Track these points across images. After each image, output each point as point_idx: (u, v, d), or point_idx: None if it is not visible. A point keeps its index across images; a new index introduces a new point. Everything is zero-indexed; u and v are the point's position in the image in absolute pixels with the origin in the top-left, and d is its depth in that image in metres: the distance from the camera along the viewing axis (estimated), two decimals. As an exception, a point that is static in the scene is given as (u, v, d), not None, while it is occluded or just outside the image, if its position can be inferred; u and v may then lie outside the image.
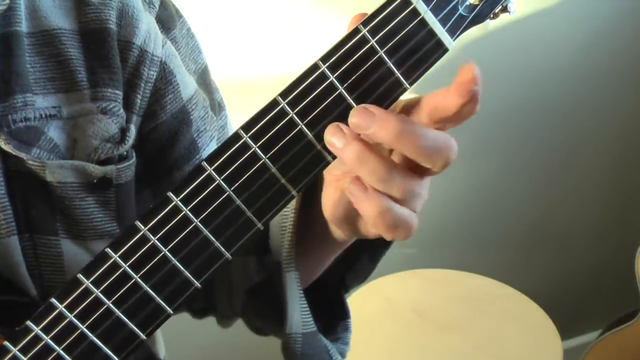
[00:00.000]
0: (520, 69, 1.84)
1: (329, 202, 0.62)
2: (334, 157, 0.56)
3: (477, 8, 0.54)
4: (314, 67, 0.54)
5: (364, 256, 0.72)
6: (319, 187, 0.64)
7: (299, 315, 0.69)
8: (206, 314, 0.85)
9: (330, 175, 0.62)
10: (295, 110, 0.54)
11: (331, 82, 0.54)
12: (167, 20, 0.76)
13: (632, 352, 1.87)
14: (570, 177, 2.10)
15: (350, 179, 0.55)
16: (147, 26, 0.72)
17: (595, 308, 2.28)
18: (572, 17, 1.85)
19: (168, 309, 0.58)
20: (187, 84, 0.76)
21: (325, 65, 0.53)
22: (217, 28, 1.46)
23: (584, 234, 2.21)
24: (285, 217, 0.66)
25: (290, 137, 0.55)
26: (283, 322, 0.70)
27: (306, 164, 0.56)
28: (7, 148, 0.64)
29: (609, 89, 2.00)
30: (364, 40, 0.53)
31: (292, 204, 0.65)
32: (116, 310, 0.57)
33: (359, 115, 0.53)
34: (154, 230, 0.55)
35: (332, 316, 0.74)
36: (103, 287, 0.56)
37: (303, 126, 0.54)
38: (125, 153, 0.70)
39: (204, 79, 0.81)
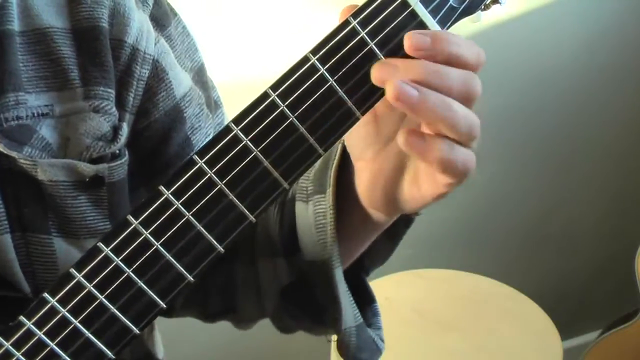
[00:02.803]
0: (520, 69, 1.84)
1: (365, 186, 0.62)
2: (326, 150, 0.56)
3: (468, -1, 0.54)
4: (305, 59, 0.54)
5: (382, 238, 0.72)
6: (348, 180, 0.65)
7: (350, 309, 0.69)
8: (221, 317, 0.85)
9: (362, 161, 0.62)
10: (286, 103, 0.54)
11: (322, 75, 0.54)
12: (162, 17, 0.76)
13: (632, 352, 1.86)
14: (571, 176, 2.10)
15: (403, 133, 0.54)
16: (139, 24, 0.72)
17: (595, 308, 2.28)
18: (574, 15, 1.84)
19: (161, 303, 0.58)
20: (181, 82, 0.76)
21: (316, 57, 0.53)
22: (213, 28, 1.46)
23: (585, 234, 2.21)
24: (321, 214, 0.66)
25: (282, 130, 0.55)
26: (321, 319, 0.71)
27: (298, 156, 0.55)
28: None
29: (610, 90, 2.00)
30: (354, 32, 0.53)
31: (329, 200, 0.66)
32: (109, 305, 0.57)
33: (381, 68, 0.53)
34: (145, 224, 0.55)
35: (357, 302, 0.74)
36: (95, 281, 0.56)
37: (294, 119, 0.54)
38: (117, 151, 0.70)
39: (200, 76, 0.81)
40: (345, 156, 0.66)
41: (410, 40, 0.52)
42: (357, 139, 0.61)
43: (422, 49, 0.52)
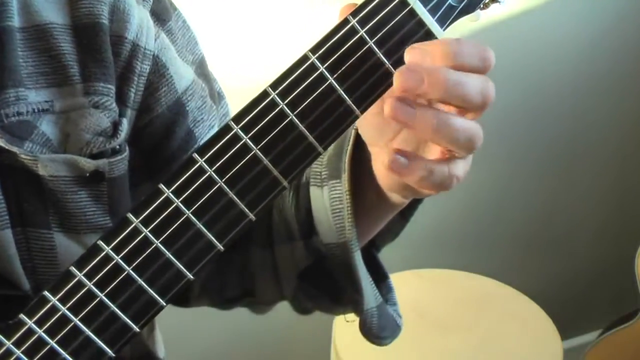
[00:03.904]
0: (521, 69, 1.84)
1: (382, 171, 0.63)
2: (326, 148, 0.56)
3: (467, -2, 0.55)
4: (304, 58, 0.54)
5: (394, 215, 0.72)
6: (362, 164, 0.65)
7: (371, 290, 0.70)
8: (238, 302, 0.85)
9: (376, 147, 0.63)
10: (286, 102, 0.54)
11: (321, 73, 0.54)
12: (162, 12, 0.76)
13: (632, 352, 1.86)
14: (571, 177, 2.10)
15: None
16: (139, 20, 0.72)
17: (595, 308, 2.28)
18: (574, 14, 1.84)
19: (161, 301, 0.58)
20: (182, 76, 0.76)
21: (315, 56, 0.54)
22: (212, 27, 1.46)
23: (585, 234, 2.21)
24: (337, 199, 0.67)
25: (281, 128, 0.55)
26: (340, 299, 0.72)
27: (298, 155, 0.56)
28: (0, 142, 0.65)
29: (612, 92, 2.00)
30: (353, 31, 0.53)
31: (344, 186, 0.66)
32: (109, 303, 0.57)
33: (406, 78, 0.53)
34: (145, 222, 0.56)
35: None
36: (95, 279, 0.56)
37: (294, 117, 0.54)
38: (117, 147, 0.71)
39: (202, 69, 0.81)
40: (358, 140, 0.66)
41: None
42: (369, 128, 0.62)
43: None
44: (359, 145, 0.66)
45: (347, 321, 0.75)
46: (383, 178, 0.64)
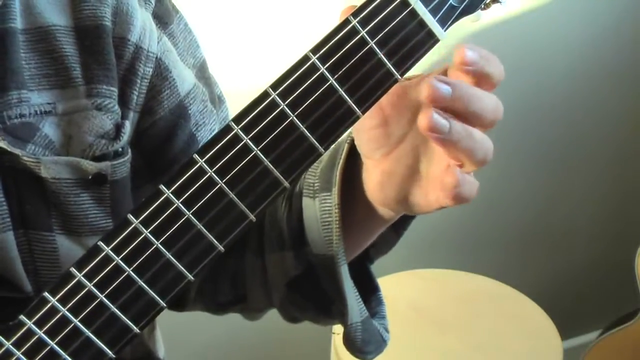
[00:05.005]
0: (520, 69, 1.84)
1: (375, 185, 0.63)
2: (327, 149, 0.56)
3: (468, -2, 0.55)
4: (305, 58, 0.54)
5: (388, 228, 0.72)
6: (355, 176, 0.65)
7: (356, 304, 0.70)
8: (232, 307, 0.85)
9: (371, 160, 0.63)
10: (287, 102, 0.54)
11: (322, 74, 0.54)
12: (164, 15, 0.76)
13: (632, 352, 1.86)
14: (570, 176, 2.10)
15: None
16: (142, 23, 0.72)
17: (595, 308, 2.28)
18: (574, 15, 1.84)
19: (161, 302, 0.58)
20: (185, 79, 0.76)
21: (316, 56, 0.53)
22: (212, 30, 1.46)
23: (584, 233, 2.21)
24: (326, 212, 0.67)
25: (282, 129, 0.55)
26: (328, 310, 0.72)
27: (298, 155, 0.55)
28: (2, 144, 0.65)
29: (607, 88, 2.00)
30: (354, 32, 0.53)
31: (334, 199, 0.66)
32: (109, 304, 0.57)
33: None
34: (145, 223, 0.55)
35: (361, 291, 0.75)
36: (96, 280, 0.56)
37: (294, 118, 0.54)
38: (120, 149, 0.71)
39: (202, 72, 0.81)
40: (352, 152, 0.66)
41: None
42: (367, 140, 0.62)
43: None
44: (353, 156, 0.66)
45: (333, 333, 0.75)
46: (373, 192, 0.64)
